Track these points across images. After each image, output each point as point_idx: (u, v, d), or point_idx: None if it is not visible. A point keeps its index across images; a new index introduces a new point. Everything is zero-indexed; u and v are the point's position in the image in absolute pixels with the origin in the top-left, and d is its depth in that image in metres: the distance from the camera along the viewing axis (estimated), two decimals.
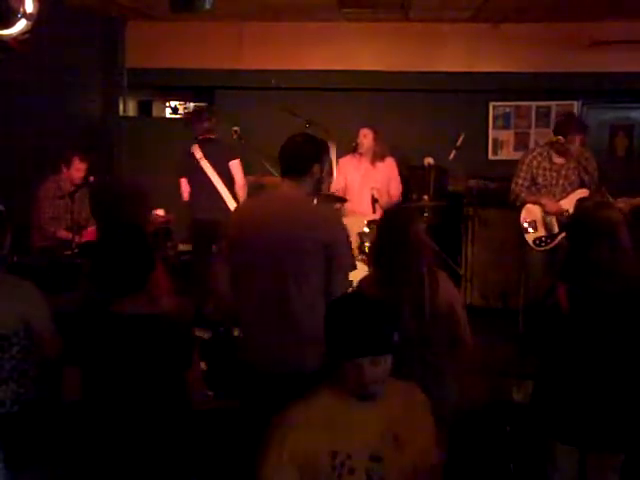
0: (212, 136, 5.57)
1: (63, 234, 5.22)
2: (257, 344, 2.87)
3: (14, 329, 2.79)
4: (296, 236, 2.79)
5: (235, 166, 5.52)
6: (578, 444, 2.57)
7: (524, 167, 5.12)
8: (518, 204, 5.16)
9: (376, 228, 3.26)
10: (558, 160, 5.04)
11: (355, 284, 3.30)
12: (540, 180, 5.08)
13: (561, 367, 2.61)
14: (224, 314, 3.30)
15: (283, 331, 2.79)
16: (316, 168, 2.89)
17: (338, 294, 2.77)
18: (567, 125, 5.02)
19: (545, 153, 5.08)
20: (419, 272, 2.85)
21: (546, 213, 5.06)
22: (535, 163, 5.08)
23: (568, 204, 5.01)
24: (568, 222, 2.80)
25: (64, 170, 5.46)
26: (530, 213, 5.11)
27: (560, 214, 5.01)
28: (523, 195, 5.11)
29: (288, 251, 2.78)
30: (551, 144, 5.06)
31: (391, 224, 3.02)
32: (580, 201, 4.96)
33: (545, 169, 5.07)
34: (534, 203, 5.09)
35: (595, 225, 2.61)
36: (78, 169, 5.43)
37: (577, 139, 4.90)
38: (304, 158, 2.88)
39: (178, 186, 5.60)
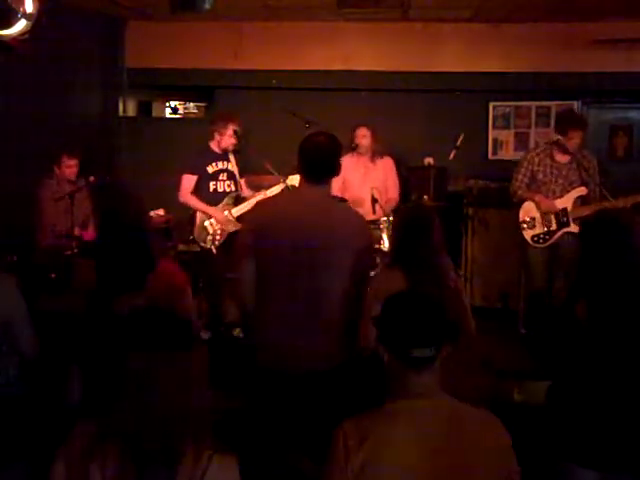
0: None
1: (63, 234, 5.22)
2: (284, 343, 2.80)
3: None
4: (331, 237, 2.78)
5: None
6: (599, 465, 2.43)
7: (525, 164, 5.17)
8: (515, 200, 5.23)
9: (397, 225, 3.29)
10: (560, 159, 5.07)
11: None
12: (540, 177, 5.11)
13: (582, 382, 2.48)
14: (244, 318, 3.24)
15: (313, 330, 2.78)
16: (334, 177, 2.93)
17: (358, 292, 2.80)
18: (567, 121, 5.12)
19: (548, 151, 5.13)
20: (442, 269, 2.93)
21: (540, 210, 5.09)
22: (537, 160, 5.12)
23: (565, 202, 5.07)
24: (586, 229, 2.73)
25: (56, 170, 5.49)
26: (528, 211, 5.15)
27: (552, 212, 5.05)
28: (520, 192, 5.18)
29: (322, 252, 2.76)
30: (553, 143, 5.11)
31: (415, 222, 3.06)
32: (577, 198, 5.05)
33: (546, 166, 5.10)
34: (529, 199, 5.13)
35: (621, 230, 2.54)
36: (69, 166, 5.46)
37: (576, 135, 4.95)
38: (330, 169, 2.88)
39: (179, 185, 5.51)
